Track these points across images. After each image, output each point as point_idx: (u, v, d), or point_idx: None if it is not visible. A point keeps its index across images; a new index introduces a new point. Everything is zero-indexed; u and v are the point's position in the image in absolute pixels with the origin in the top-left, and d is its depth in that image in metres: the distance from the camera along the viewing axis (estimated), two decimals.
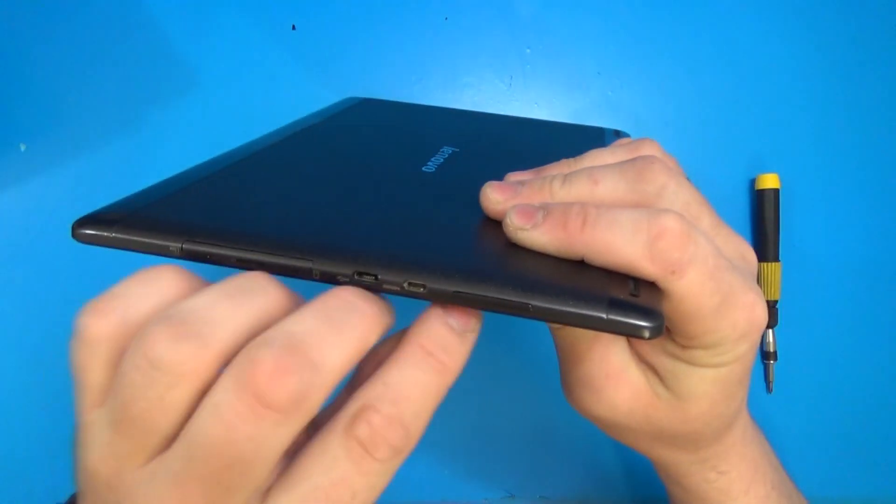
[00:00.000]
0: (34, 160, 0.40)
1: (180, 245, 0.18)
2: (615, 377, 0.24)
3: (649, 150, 0.23)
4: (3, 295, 0.39)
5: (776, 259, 0.43)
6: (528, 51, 0.44)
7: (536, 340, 0.42)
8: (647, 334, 0.17)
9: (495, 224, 0.21)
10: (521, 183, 0.21)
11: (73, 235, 0.19)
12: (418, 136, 0.32)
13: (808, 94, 0.45)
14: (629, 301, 0.17)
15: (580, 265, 0.19)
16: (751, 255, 0.23)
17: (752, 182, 0.44)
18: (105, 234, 0.19)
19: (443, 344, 0.17)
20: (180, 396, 0.15)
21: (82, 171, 0.40)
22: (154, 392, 0.15)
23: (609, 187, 0.21)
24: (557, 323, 0.17)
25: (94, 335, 0.16)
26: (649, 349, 0.23)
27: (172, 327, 0.15)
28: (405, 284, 0.17)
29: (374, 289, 0.18)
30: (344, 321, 0.16)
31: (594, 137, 0.35)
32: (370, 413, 0.16)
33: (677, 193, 0.21)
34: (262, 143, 0.28)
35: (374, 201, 0.23)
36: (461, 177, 0.26)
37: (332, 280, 0.18)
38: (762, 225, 0.43)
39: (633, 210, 0.19)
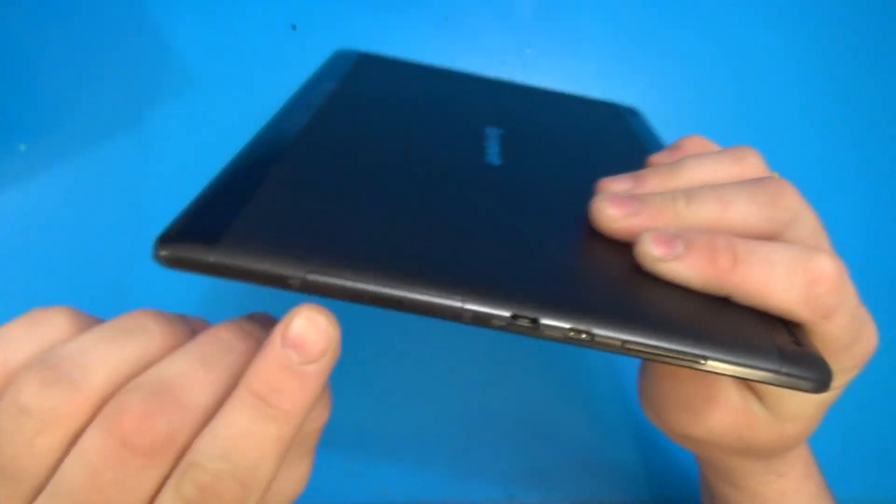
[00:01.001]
0: (34, 160, 0.40)
1: (303, 276, 0.15)
2: (715, 399, 0.23)
3: (754, 160, 0.22)
4: (3, 295, 0.39)
5: None
6: (528, 51, 0.44)
7: (537, 342, 0.42)
8: (818, 389, 0.16)
9: (608, 240, 0.20)
10: (641, 199, 0.20)
11: (158, 258, 0.15)
12: (455, 115, 0.30)
13: (808, 94, 0.45)
14: (798, 353, 0.17)
15: (724, 302, 0.18)
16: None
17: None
18: (203, 258, 0.15)
19: (276, 387, 0.15)
20: (50, 443, 0.15)
21: (82, 171, 0.40)
22: (22, 438, 0.15)
23: (741, 211, 0.19)
24: (725, 375, 0.16)
25: None
26: None
27: (43, 372, 0.15)
28: (569, 332, 0.16)
29: (528, 333, 0.16)
30: (217, 361, 0.16)
31: (617, 116, 0.35)
32: (197, 471, 0.15)
33: (806, 220, 0.20)
34: (291, 123, 0.24)
35: (474, 215, 0.20)
36: (533, 170, 0.25)
37: (482, 323, 0.16)
38: None
39: (783, 248, 0.18)
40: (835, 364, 0.20)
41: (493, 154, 0.25)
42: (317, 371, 0.15)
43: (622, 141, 0.31)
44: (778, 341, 0.17)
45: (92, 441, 0.14)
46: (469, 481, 0.42)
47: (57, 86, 0.40)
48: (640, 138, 0.32)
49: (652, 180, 0.21)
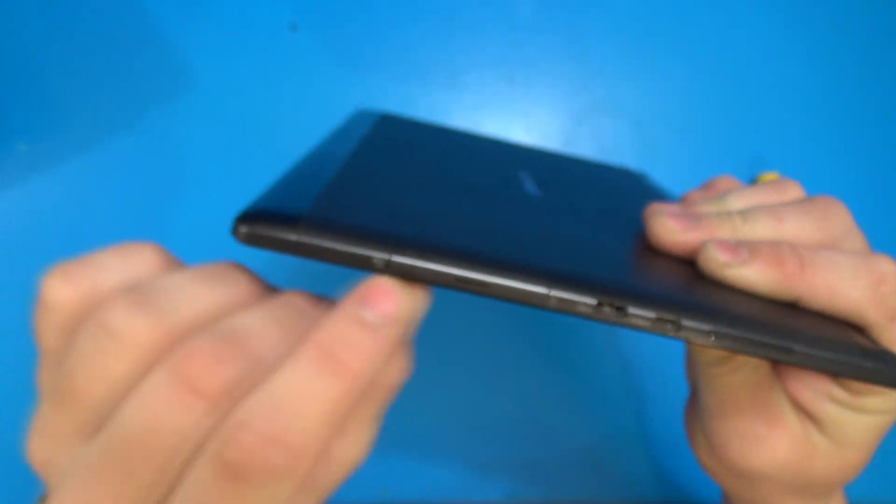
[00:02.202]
0: (34, 160, 0.40)
1: (388, 258, 0.15)
2: (777, 426, 0.22)
3: (794, 190, 0.22)
4: (3, 295, 0.39)
5: None
6: (529, 51, 0.44)
7: (538, 340, 0.42)
8: None
9: (664, 257, 0.20)
10: (697, 216, 0.20)
11: (237, 234, 0.15)
12: (485, 160, 0.31)
13: (809, 93, 0.45)
14: (877, 349, 0.17)
15: (791, 307, 0.18)
16: None
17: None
18: (284, 237, 0.15)
19: (346, 340, 0.14)
20: (125, 371, 0.14)
21: (82, 171, 0.40)
22: (100, 361, 0.14)
23: (795, 226, 0.20)
24: (811, 369, 0.16)
25: (56, 300, 0.15)
26: (812, 396, 0.22)
27: (133, 297, 0.14)
28: (655, 320, 0.16)
29: (611, 321, 0.16)
30: (289, 322, 0.15)
31: (632, 176, 0.36)
32: (241, 432, 0.13)
33: (857, 235, 0.20)
34: (338, 148, 0.24)
35: (539, 221, 0.21)
36: (573, 202, 0.26)
37: (567, 309, 0.16)
38: None
39: (844, 253, 0.19)
40: None
41: (532, 188, 0.26)
42: (391, 333, 0.15)
43: (645, 190, 0.33)
44: (856, 339, 0.17)
45: (156, 381, 0.14)
46: (469, 480, 0.42)
47: (57, 86, 0.40)
48: (658, 192, 0.33)
49: (702, 206, 0.22)
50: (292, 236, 0.15)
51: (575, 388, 0.42)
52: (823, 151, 0.45)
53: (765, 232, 0.20)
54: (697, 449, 0.26)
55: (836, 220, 0.20)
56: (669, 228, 0.20)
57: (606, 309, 0.16)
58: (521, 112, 0.43)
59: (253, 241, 0.15)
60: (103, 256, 0.16)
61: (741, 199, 0.22)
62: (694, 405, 0.26)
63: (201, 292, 0.15)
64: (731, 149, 0.44)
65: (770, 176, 0.42)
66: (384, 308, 0.15)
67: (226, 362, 0.14)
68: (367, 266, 0.15)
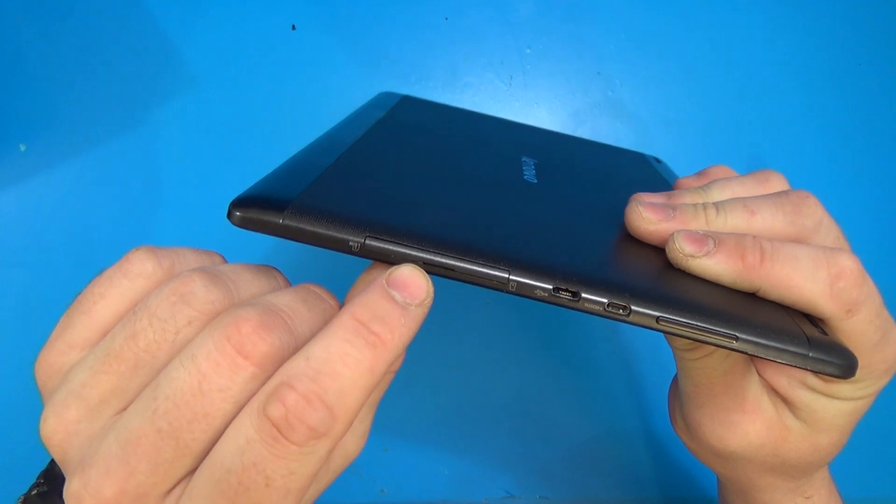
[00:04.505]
0: (34, 160, 0.40)
1: (362, 240, 0.17)
2: (751, 410, 0.23)
3: (777, 181, 0.23)
4: (3, 295, 0.39)
5: None
6: (528, 51, 0.44)
7: (537, 336, 0.42)
8: (846, 373, 0.17)
9: (640, 245, 0.21)
10: (673, 207, 0.21)
11: (231, 217, 0.17)
12: (494, 144, 0.31)
13: (809, 93, 0.45)
14: (825, 339, 0.18)
15: (752, 298, 0.19)
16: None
17: None
18: (272, 220, 0.17)
19: (380, 314, 0.16)
20: (189, 336, 0.16)
21: (82, 171, 0.40)
22: (172, 325, 0.15)
23: (767, 219, 0.21)
24: (755, 356, 0.17)
25: (141, 271, 0.17)
26: (786, 382, 0.23)
27: (207, 275, 0.16)
28: (607, 305, 0.17)
29: (567, 305, 0.17)
30: (315, 304, 0.17)
31: (642, 163, 0.36)
32: (285, 391, 0.14)
33: (829, 228, 0.21)
34: (347, 134, 0.25)
35: (518, 209, 0.22)
36: (568, 189, 0.27)
37: (526, 293, 0.17)
38: None
39: (807, 246, 0.19)
40: (864, 365, 0.20)
41: (531, 175, 0.27)
42: (417, 313, 0.16)
43: (648, 178, 0.33)
44: (806, 330, 0.18)
45: (204, 346, 0.15)
46: (468, 480, 0.42)
47: (57, 86, 0.40)
48: (666, 179, 0.33)
49: (683, 197, 0.23)
50: (278, 219, 0.17)
51: (574, 384, 0.42)
52: (822, 151, 0.45)
53: (737, 224, 0.21)
54: (678, 429, 0.27)
55: (807, 214, 0.21)
56: (645, 219, 0.21)
57: (562, 294, 0.17)
58: (521, 112, 0.43)
59: (245, 223, 0.17)
60: (182, 250, 0.18)
61: (724, 191, 0.23)
62: (675, 388, 0.27)
63: (255, 279, 0.18)
64: (730, 149, 0.44)
65: None
66: (412, 291, 0.16)
67: (270, 330, 0.15)
68: (345, 248, 0.17)
